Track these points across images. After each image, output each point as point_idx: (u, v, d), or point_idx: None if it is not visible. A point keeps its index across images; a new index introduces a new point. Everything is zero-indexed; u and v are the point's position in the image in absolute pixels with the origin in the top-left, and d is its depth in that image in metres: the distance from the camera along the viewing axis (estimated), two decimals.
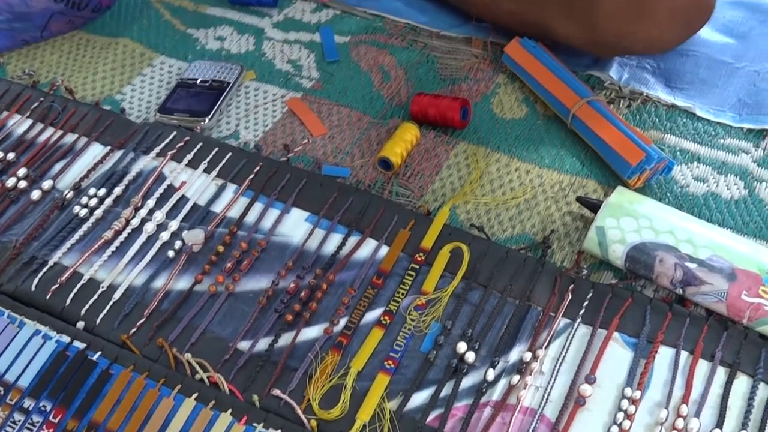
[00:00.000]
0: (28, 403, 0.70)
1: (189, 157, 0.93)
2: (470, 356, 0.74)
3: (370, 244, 0.84)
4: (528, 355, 0.74)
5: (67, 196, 0.89)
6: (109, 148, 0.95)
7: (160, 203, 0.89)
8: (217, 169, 0.92)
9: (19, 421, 0.69)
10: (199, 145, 0.94)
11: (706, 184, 0.93)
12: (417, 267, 0.82)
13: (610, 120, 0.94)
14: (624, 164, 0.90)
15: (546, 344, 0.75)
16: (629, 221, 0.82)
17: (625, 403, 0.70)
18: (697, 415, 0.70)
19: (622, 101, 1.04)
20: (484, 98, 1.05)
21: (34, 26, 1.11)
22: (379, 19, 1.17)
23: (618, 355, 0.75)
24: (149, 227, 0.86)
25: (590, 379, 0.72)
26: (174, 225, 0.86)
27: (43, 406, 0.70)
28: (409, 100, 1.02)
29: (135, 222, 0.86)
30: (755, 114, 1.02)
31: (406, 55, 1.11)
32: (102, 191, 0.89)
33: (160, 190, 0.90)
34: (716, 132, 1.00)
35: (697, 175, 0.94)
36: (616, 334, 0.76)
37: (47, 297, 0.79)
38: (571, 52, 1.06)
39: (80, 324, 0.77)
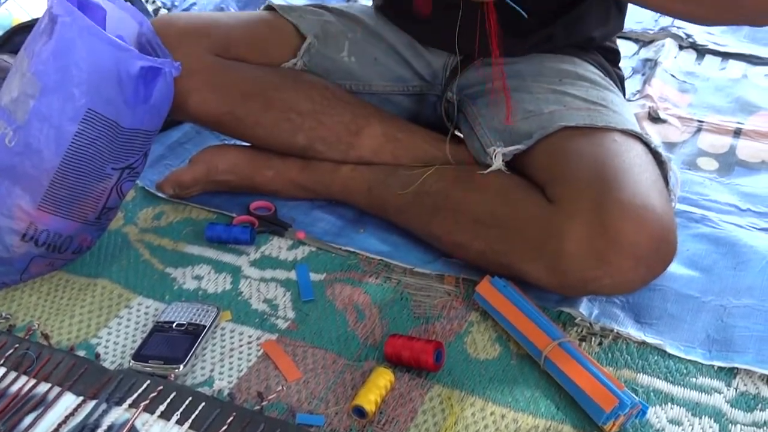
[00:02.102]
0: None
1: (162, 407, 0.92)
2: None
3: None
4: None
5: None
6: (81, 398, 0.94)
7: None
8: (190, 420, 0.91)
9: None
10: (172, 395, 0.94)
11: (681, 427, 0.93)
12: None
13: (582, 363, 0.95)
14: (598, 410, 0.90)
15: None
16: None
17: None
18: None
19: (593, 338, 1.06)
20: (458, 337, 1.06)
21: (14, 270, 1.13)
22: (354, 255, 1.20)
23: None
24: None
25: None
26: None
27: None
28: (384, 340, 1.03)
29: None
30: (724, 351, 1.03)
31: (380, 292, 1.13)
32: None
33: None
34: (688, 370, 1.01)
35: (672, 418, 0.94)
36: None
37: None
38: (542, 289, 1.09)
39: None
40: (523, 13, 0.97)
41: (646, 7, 1.07)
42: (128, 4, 1.18)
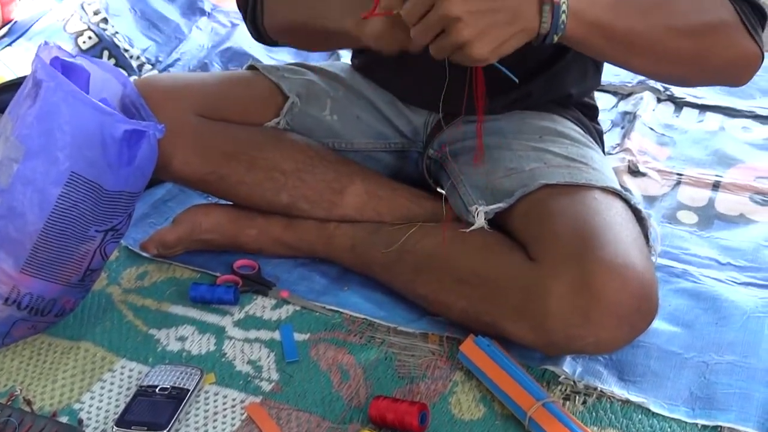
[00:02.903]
0: None
1: None
2: None
3: None
4: None
5: None
6: None
7: None
8: None
9: None
10: None
11: None
12: None
13: (566, 424, 0.95)
14: None
15: None
16: None
17: None
18: None
19: (577, 397, 1.06)
20: (442, 398, 1.06)
21: None
22: (338, 314, 1.20)
23: None
24: None
25: None
26: None
27: None
28: (369, 402, 1.02)
29: None
30: (708, 409, 1.04)
31: (364, 352, 1.13)
32: None
33: None
34: (672, 429, 1.01)
35: None
36: None
37: None
38: (526, 348, 1.09)
39: None
40: (515, 78, 0.98)
41: (623, 68, 1.09)
42: (112, 65, 1.20)
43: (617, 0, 0.99)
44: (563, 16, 0.92)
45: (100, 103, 1.06)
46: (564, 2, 0.91)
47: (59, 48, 1.12)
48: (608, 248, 1.01)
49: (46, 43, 1.11)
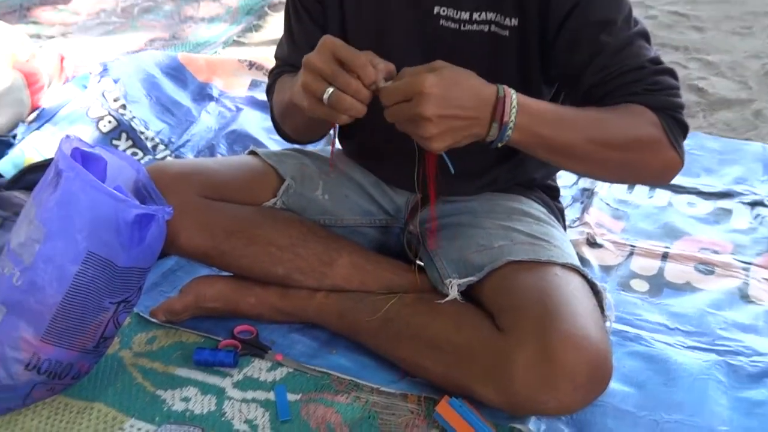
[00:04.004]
0: None
1: None
2: None
3: None
4: None
5: None
6: None
7: None
8: None
9: None
10: None
11: None
12: None
13: None
14: None
15: None
16: None
17: None
18: None
19: None
20: None
21: (17, 395, 1.11)
22: (327, 376, 1.20)
23: None
24: None
25: None
26: None
27: None
28: None
29: None
30: None
31: (350, 411, 1.13)
32: None
33: None
34: None
35: None
36: None
37: None
38: (494, 408, 1.08)
39: None
40: (452, 169, 1.02)
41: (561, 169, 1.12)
42: (127, 154, 1.21)
43: (559, 117, 1.03)
44: (509, 131, 0.98)
45: (115, 191, 1.07)
46: (512, 121, 0.97)
47: (79, 140, 1.14)
48: (567, 322, 1.02)
49: (68, 136, 1.12)
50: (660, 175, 1.13)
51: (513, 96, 0.98)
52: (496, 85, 0.99)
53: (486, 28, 1.12)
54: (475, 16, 1.12)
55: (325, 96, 0.97)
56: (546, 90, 1.19)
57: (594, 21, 1.06)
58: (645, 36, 1.09)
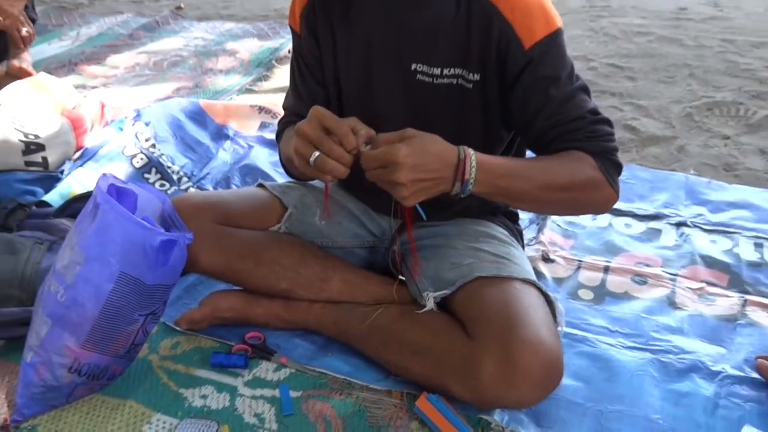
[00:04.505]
0: None
1: None
2: None
3: None
4: None
5: None
6: None
7: None
8: None
9: None
10: None
11: None
12: None
13: None
14: None
15: None
16: None
17: None
18: None
19: None
20: None
21: (61, 395, 1.09)
22: (324, 376, 1.17)
23: None
24: None
25: None
26: None
27: None
28: None
29: None
30: None
31: (343, 406, 1.10)
32: None
33: None
34: None
35: None
36: None
37: None
38: (465, 403, 1.06)
39: None
40: (424, 215, 1.02)
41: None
42: (154, 187, 1.18)
43: (513, 170, 1.03)
44: (470, 186, 0.97)
45: (143, 221, 1.05)
46: (472, 177, 0.96)
47: (114, 177, 1.12)
48: (525, 330, 1.00)
49: (105, 174, 1.10)
50: (601, 208, 1.15)
51: (472, 156, 0.97)
52: (458, 147, 0.98)
53: (454, 81, 1.11)
54: (445, 71, 1.11)
55: (311, 159, 0.96)
56: (505, 133, 1.18)
57: (542, 77, 1.05)
58: (585, 90, 1.09)
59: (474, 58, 1.08)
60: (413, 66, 1.13)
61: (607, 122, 1.08)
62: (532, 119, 1.07)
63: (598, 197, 1.07)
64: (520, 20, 1.03)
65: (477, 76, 1.10)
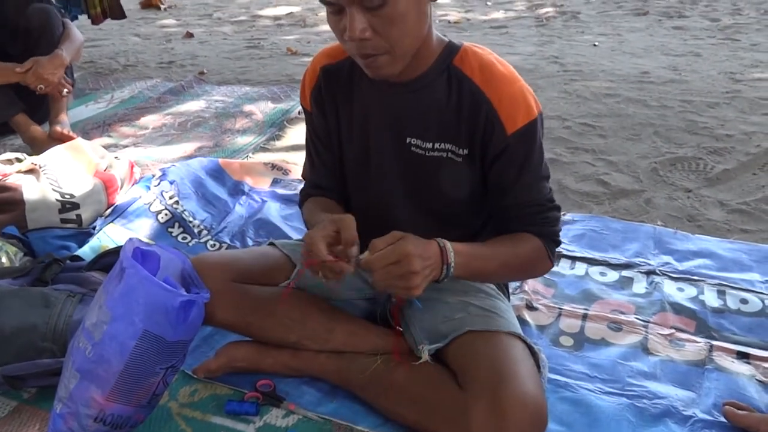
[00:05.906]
0: None
1: None
2: None
3: None
4: None
5: None
6: None
7: None
8: None
9: None
10: None
11: None
12: None
13: None
14: None
15: None
16: None
17: None
18: None
19: None
20: None
21: None
22: (329, 422, 1.14)
23: None
24: None
25: None
26: None
27: None
28: None
29: None
30: None
31: None
32: None
33: None
34: None
35: None
36: None
37: None
38: None
39: None
40: (419, 305, 1.07)
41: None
42: (174, 250, 1.16)
43: (481, 253, 1.09)
44: (452, 269, 1.01)
45: (164, 283, 1.03)
46: (452, 261, 1.01)
47: (139, 241, 1.10)
48: (512, 382, 0.98)
49: (131, 239, 1.08)
50: (540, 275, 1.26)
51: (448, 245, 1.02)
52: (435, 240, 1.02)
53: (445, 154, 1.11)
54: (437, 145, 1.11)
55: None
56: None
57: (516, 159, 1.09)
58: (548, 178, 1.14)
59: (463, 136, 1.09)
60: (408, 139, 1.13)
61: (558, 209, 1.15)
62: (503, 194, 1.13)
63: (541, 268, 1.18)
64: (506, 108, 1.05)
65: (465, 151, 1.10)
